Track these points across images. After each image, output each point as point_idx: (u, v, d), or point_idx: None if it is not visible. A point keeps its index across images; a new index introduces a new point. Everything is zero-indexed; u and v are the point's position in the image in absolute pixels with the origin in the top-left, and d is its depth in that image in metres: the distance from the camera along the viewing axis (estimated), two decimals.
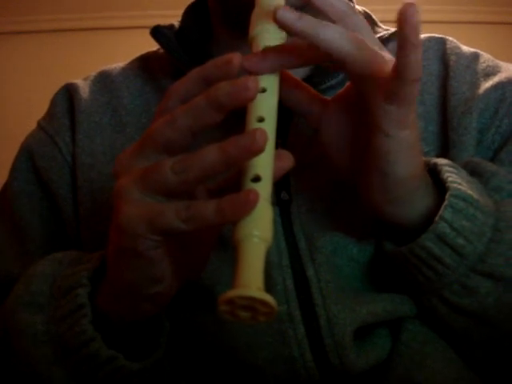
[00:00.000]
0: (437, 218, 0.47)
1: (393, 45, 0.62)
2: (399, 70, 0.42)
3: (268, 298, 0.36)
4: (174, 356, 0.55)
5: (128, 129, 0.64)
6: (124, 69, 0.69)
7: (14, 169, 0.66)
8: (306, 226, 0.56)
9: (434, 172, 0.51)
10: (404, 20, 0.41)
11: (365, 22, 0.45)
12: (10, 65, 1.97)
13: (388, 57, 0.45)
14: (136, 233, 0.41)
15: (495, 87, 0.60)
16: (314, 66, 0.61)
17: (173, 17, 0.69)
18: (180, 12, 0.68)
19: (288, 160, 0.43)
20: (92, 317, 0.48)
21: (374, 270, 0.55)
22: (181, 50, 0.64)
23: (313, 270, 0.54)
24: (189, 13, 0.68)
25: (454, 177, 0.49)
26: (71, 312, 0.48)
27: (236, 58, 0.40)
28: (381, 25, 0.67)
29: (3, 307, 0.53)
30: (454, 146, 0.58)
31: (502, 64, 0.64)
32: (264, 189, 0.39)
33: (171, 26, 0.67)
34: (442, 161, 0.52)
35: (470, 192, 0.48)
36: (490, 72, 0.63)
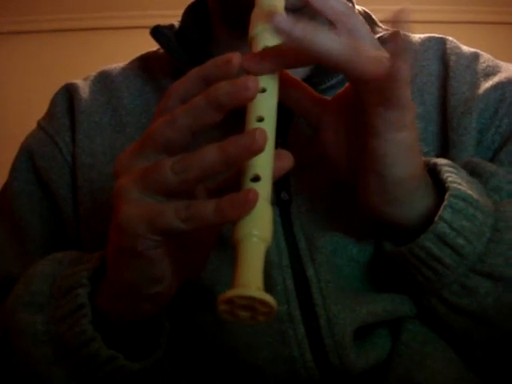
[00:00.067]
0: (436, 218, 0.47)
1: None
2: (389, 73, 0.42)
3: (267, 297, 0.36)
4: (174, 356, 0.55)
5: (128, 129, 0.64)
6: (124, 69, 0.69)
7: (14, 169, 0.66)
8: (305, 226, 0.56)
9: (433, 172, 0.51)
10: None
11: (363, 23, 0.45)
12: (10, 65, 1.97)
13: (387, 57, 0.45)
14: (136, 233, 0.41)
15: (495, 87, 0.60)
16: (313, 65, 0.61)
17: (173, 17, 0.69)
18: (180, 12, 0.68)
19: (288, 160, 0.43)
20: (92, 317, 0.48)
21: (374, 270, 0.55)
22: (181, 50, 0.64)
23: (313, 270, 0.54)
24: (189, 13, 0.68)
25: (454, 177, 0.49)
26: (71, 312, 0.48)
27: (236, 57, 0.40)
28: (381, 25, 0.67)
29: (3, 307, 0.53)
30: (454, 146, 0.58)
31: (502, 64, 0.64)
32: (263, 188, 0.39)
33: (171, 26, 0.67)
34: (441, 161, 0.52)
35: (469, 192, 0.48)
36: (490, 72, 0.63)
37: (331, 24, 0.45)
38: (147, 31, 0.64)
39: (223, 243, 0.51)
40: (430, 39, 0.66)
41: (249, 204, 0.38)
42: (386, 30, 0.65)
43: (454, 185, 0.48)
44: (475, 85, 0.61)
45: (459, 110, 0.59)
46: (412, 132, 0.46)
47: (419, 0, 1.92)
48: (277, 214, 0.56)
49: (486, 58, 0.65)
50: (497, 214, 0.49)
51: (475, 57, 0.64)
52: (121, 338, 0.49)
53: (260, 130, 0.38)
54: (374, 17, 0.68)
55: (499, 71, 0.63)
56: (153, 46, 0.68)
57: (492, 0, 1.94)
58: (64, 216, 0.63)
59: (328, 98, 0.50)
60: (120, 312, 0.48)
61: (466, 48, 0.66)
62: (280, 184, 0.56)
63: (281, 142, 0.57)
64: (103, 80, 0.68)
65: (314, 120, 0.50)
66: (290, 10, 0.47)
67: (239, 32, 0.53)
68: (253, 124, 0.41)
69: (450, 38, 0.67)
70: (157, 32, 0.65)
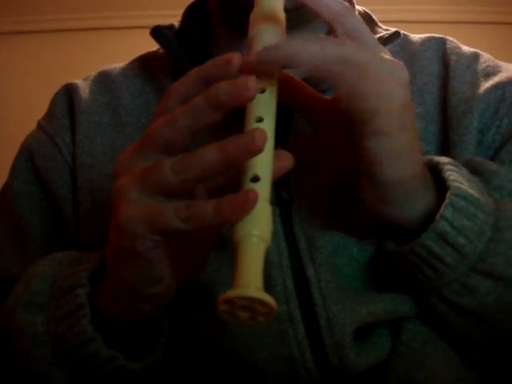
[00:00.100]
0: (437, 217, 0.47)
1: (393, 46, 0.63)
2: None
3: (267, 298, 0.36)
4: (174, 356, 0.55)
5: (128, 129, 0.64)
6: (124, 69, 0.69)
7: (14, 169, 0.66)
8: (306, 226, 0.55)
9: (435, 170, 0.51)
10: None
11: (362, 22, 0.45)
12: (10, 65, 1.97)
13: (388, 56, 0.45)
14: (135, 233, 0.41)
15: (495, 87, 0.60)
16: None
17: (173, 17, 0.69)
18: (180, 12, 0.68)
19: (287, 160, 0.42)
20: (91, 317, 0.48)
21: (375, 269, 0.55)
22: (181, 50, 0.64)
23: (313, 270, 0.54)
24: (189, 13, 0.68)
25: (456, 175, 0.49)
26: (71, 312, 0.48)
27: (235, 57, 0.40)
28: (381, 25, 0.67)
29: (3, 307, 0.53)
30: (455, 145, 0.58)
31: (503, 64, 0.64)
32: (263, 189, 0.39)
33: (171, 26, 0.67)
34: (443, 159, 0.51)
35: (470, 191, 0.48)
36: (491, 72, 0.63)
37: (329, 25, 0.45)
38: (147, 31, 0.64)
39: (223, 243, 0.51)
40: (430, 39, 0.66)
41: (248, 204, 0.38)
42: (386, 30, 0.65)
43: (456, 183, 0.48)
44: (476, 85, 0.61)
45: (460, 109, 0.59)
46: (402, 136, 0.45)
47: (419, 0, 1.93)
48: (277, 213, 0.56)
49: (487, 58, 0.65)
50: (497, 213, 0.49)
51: (475, 57, 0.64)
52: (120, 338, 0.49)
53: (259, 131, 0.38)
54: (374, 17, 0.68)
55: (499, 71, 0.63)
56: (153, 46, 0.68)
57: (492, 0, 1.94)
58: (64, 216, 0.63)
59: (328, 97, 0.50)
60: (119, 312, 0.48)
61: (466, 48, 0.66)
62: (280, 184, 0.56)
63: (281, 141, 0.57)
64: (103, 80, 0.68)
65: (314, 120, 0.50)
66: (290, 9, 0.47)
67: (239, 32, 0.53)
68: (252, 124, 0.41)
69: (450, 38, 0.67)
70: (157, 32, 0.65)
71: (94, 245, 0.57)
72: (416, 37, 0.67)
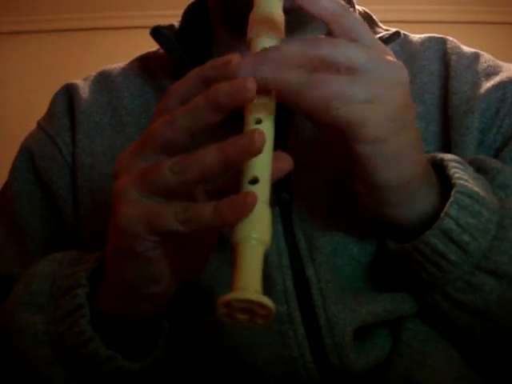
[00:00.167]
0: (442, 215, 0.47)
1: (393, 45, 0.63)
2: None
3: (266, 300, 0.36)
4: (174, 356, 0.55)
5: (128, 129, 0.64)
6: (124, 69, 0.69)
7: (14, 169, 0.66)
8: (306, 226, 0.55)
9: (439, 167, 0.51)
10: None
11: (361, 22, 0.45)
12: (10, 65, 1.97)
13: (390, 55, 0.45)
14: (134, 233, 0.41)
15: (496, 87, 0.60)
16: None
17: (173, 17, 0.69)
18: (180, 12, 0.68)
19: (286, 162, 0.42)
20: (91, 317, 0.48)
21: (375, 269, 0.55)
22: (181, 50, 0.64)
23: (313, 270, 0.54)
24: (189, 13, 0.68)
25: (461, 173, 0.49)
26: (70, 312, 0.48)
27: (235, 58, 0.40)
28: (381, 25, 0.67)
29: (3, 307, 0.53)
30: (456, 145, 0.58)
31: (503, 64, 0.64)
32: (262, 191, 0.39)
33: (171, 26, 0.67)
34: (448, 156, 0.51)
35: (476, 189, 0.48)
36: (491, 72, 0.62)
37: (327, 26, 0.44)
38: (147, 31, 0.64)
39: (223, 244, 0.50)
40: (430, 39, 0.66)
41: (247, 207, 0.38)
42: (386, 30, 0.65)
43: (461, 181, 0.48)
44: (476, 84, 0.61)
45: (461, 109, 0.59)
46: (397, 138, 0.45)
47: (419, 0, 1.93)
48: (277, 214, 0.56)
49: (487, 58, 0.65)
50: (502, 211, 0.49)
51: (476, 57, 0.64)
52: (119, 338, 0.49)
53: (258, 132, 0.38)
54: (374, 17, 0.68)
55: (500, 71, 0.63)
56: (153, 46, 0.68)
57: (492, 0, 1.94)
58: (64, 216, 0.63)
59: None
60: (118, 312, 0.48)
61: (466, 48, 0.66)
62: (281, 184, 0.56)
63: (281, 142, 0.57)
64: (103, 80, 0.68)
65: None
66: (289, 10, 0.47)
67: (239, 32, 0.53)
68: (251, 125, 0.41)
69: (451, 38, 0.67)
70: (157, 32, 0.65)
71: (94, 245, 0.57)
72: (416, 37, 0.67)
